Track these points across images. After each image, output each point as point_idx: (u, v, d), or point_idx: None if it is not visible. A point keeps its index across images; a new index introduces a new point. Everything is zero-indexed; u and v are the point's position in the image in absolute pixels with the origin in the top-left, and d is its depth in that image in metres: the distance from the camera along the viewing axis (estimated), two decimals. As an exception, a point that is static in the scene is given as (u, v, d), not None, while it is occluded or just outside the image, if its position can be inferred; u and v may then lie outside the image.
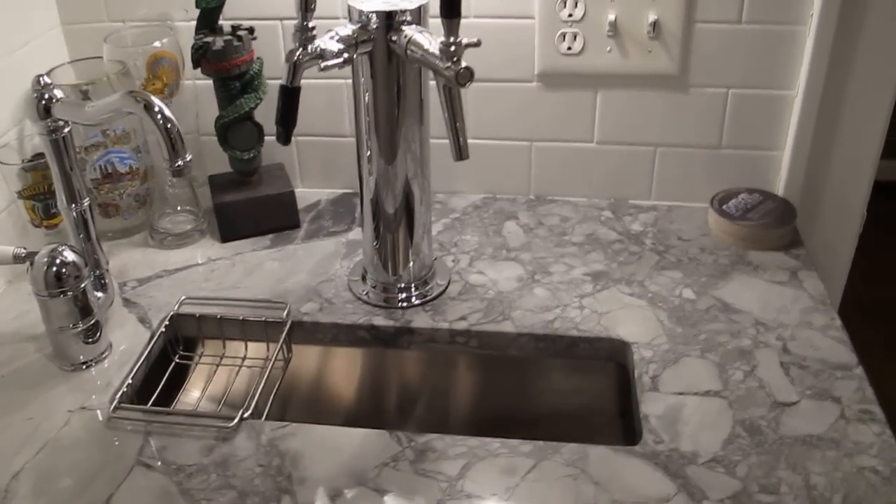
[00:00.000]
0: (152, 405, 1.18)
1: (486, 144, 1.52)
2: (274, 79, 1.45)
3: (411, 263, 1.29)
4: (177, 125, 1.03)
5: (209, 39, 1.34)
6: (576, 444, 1.05)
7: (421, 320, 1.27)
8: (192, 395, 1.30)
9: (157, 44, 1.37)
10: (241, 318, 1.29)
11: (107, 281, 1.29)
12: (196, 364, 1.33)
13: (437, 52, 1.01)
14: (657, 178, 1.52)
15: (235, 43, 1.35)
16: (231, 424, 1.09)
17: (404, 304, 1.30)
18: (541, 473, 1.02)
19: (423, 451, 1.06)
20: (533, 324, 1.25)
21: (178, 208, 1.47)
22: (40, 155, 1.29)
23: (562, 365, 1.29)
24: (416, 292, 1.31)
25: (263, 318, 1.28)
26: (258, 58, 1.40)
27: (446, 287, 1.33)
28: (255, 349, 1.32)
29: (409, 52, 1.07)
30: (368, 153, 1.20)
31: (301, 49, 1.06)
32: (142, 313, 1.30)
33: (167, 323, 1.29)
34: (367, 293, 1.31)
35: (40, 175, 1.34)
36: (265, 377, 1.19)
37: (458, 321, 1.26)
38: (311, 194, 1.61)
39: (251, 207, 1.44)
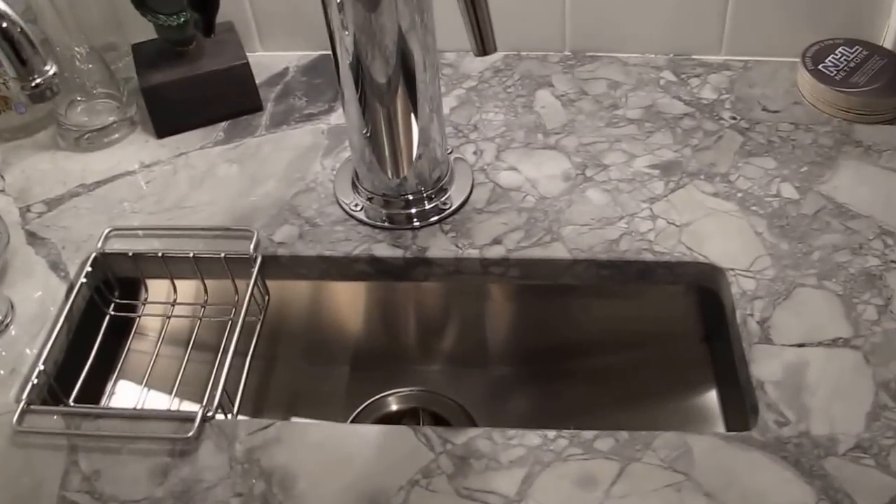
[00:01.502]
0: (79, 397, 0.88)
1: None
2: None
3: (418, 158, 0.93)
4: (18, 21, 0.68)
5: None
6: (672, 434, 0.77)
7: (439, 246, 0.93)
8: (136, 369, 0.97)
9: None
10: (191, 254, 0.92)
11: (-1, 220, 0.91)
12: (138, 320, 1.00)
13: None
14: (730, 26, 1.15)
15: None
16: (190, 434, 0.75)
17: (416, 223, 0.94)
18: (631, 483, 0.74)
19: (464, 459, 0.76)
20: (592, 245, 0.92)
21: (94, 92, 1.07)
22: None
23: (630, 293, 1.00)
24: (430, 204, 0.95)
25: (222, 255, 0.92)
26: None
27: (469, 193, 0.98)
28: (218, 292, 0.98)
29: None
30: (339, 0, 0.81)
31: None
32: (54, 255, 0.95)
33: (89, 268, 0.92)
34: (361, 208, 0.95)
35: None
36: (233, 340, 0.87)
37: (491, 246, 0.92)
38: (274, 60, 1.21)
39: (192, 88, 1.06)
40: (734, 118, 1.07)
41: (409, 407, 1.03)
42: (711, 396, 0.98)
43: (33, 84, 0.68)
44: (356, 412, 1.01)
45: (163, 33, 1.05)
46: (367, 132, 0.91)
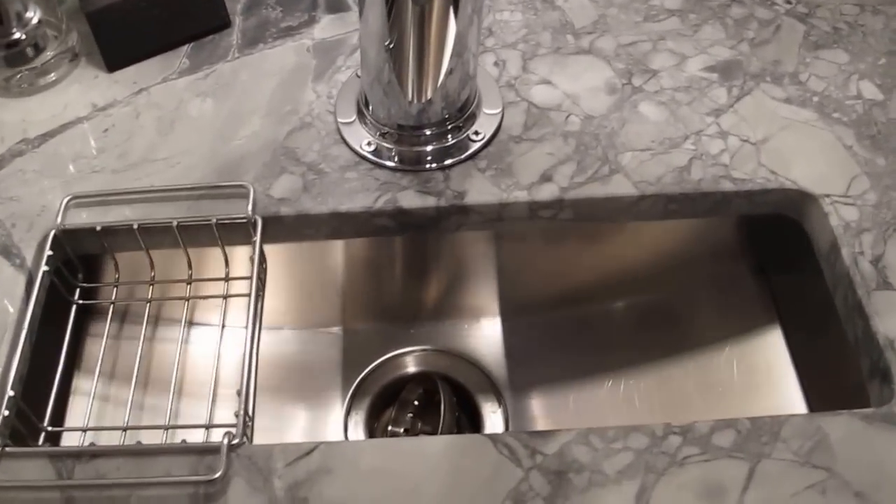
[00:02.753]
0: (55, 415, 0.72)
1: None
2: None
3: (448, 74, 0.75)
4: None
5: None
6: (800, 419, 0.65)
7: (478, 189, 0.76)
8: (119, 370, 0.82)
9: None
10: (174, 223, 0.73)
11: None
12: (111, 306, 0.80)
13: None
14: None
15: None
16: (217, 475, 0.59)
17: (446, 161, 0.76)
18: (765, 487, 0.61)
19: (561, 474, 0.62)
20: (659, 175, 0.76)
21: (27, 19, 0.85)
22: None
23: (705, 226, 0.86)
24: (460, 134, 0.78)
25: (213, 220, 0.73)
26: None
27: (502, 117, 0.79)
28: (203, 262, 0.80)
29: None
30: None
31: None
32: (2, 236, 0.75)
33: (50, 252, 0.73)
34: (375, 147, 0.77)
35: None
36: (253, 330, 0.70)
37: (541, 184, 0.75)
38: None
39: (147, 7, 0.84)
40: (789, 2, 0.91)
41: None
42: (776, 339, 0.84)
43: (12, 39, 0.48)
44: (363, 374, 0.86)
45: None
46: (390, 43, 0.71)
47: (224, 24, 0.90)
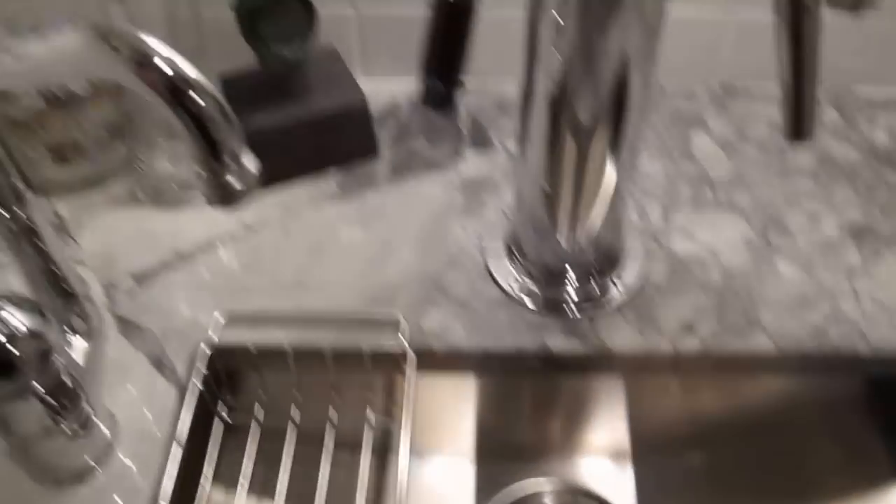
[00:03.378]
0: None
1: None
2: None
3: (602, 221, 0.77)
4: (223, 106, 0.49)
5: None
6: None
7: (623, 336, 0.78)
8: (262, 489, 0.80)
9: None
10: (327, 349, 0.75)
11: (89, 315, 0.73)
12: (255, 426, 0.83)
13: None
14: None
15: None
16: None
17: (592, 307, 0.79)
18: None
19: None
20: (796, 332, 0.79)
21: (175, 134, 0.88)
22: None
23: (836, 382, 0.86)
24: (605, 281, 0.81)
25: (366, 349, 0.75)
26: None
27: (645, 267, 0.82)
28: (351, 389, 0.82)
29: None
30: (559, 16, 0.63)
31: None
32: (154, 346, 0.79)
33: (202, 368, 0.75)
34: (523, 287, 0.79)
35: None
36: (402, 462, 0.71)
37: (682, 334, 0.77)
38: (379, 88, 1.02)
39: (302, 132, 0.87)
40: (917, 168, 0.93)
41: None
42: None
43: (228, 184, 0.50)
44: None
45: (269, 66, 0.87)
46: (547, 186, 0.74)
47: (373, 152, 0.93)
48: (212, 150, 0.48)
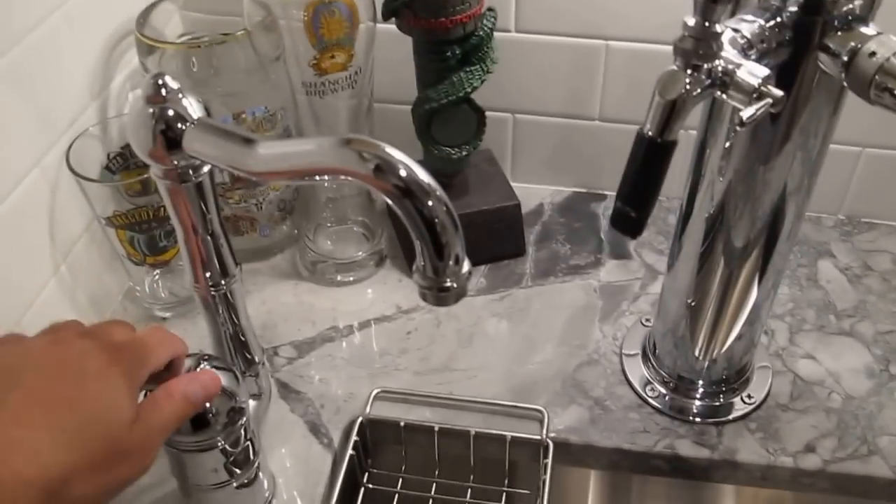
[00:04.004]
0: None
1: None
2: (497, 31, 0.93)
3: (737, 339, 0.84)
4: (452, 213, 0.54)
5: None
6: None
7: (748, 449, 0.83)
8: None
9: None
10: (472, 431, 0.81)
11: (260, 379, 0.80)
12: (396, 496, 0.89)
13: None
14: None
15: (460, -12, 0.83)
16: None
17: (721, 419, 0.83)
18: None
19: None
20: (914, 462, 0.81)
21: (342, 219, 0.97)
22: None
23: None
24: (734, 395, 0.85)
25: (507, 436, 0.81)
26: (490, 9, 0.89)
27: (770, 384, 0.87)
28: (485, 472, 0.88)
29: (885, 87, 0.58)
30: (728, 142, 0.70)
31: (693, 70, 0.57)
32: (312, 414, 0.86)
33: (356, 438, 0.81)
34: (658, 394, 0.85)
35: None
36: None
37: (805, 454, 0.82)
38: (527, 194, 1.11)
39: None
40: None
41: None
42: None
43: (445, 285, 0.56)
44: None
45: (435, 163, 0.95)
46: (692, 301, 0.80)
47: (520, 252, 1.00)
48: (438, 252, 0.54)
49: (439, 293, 0.56)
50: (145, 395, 0.61)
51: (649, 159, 0.61)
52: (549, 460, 0.82)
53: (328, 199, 0.97)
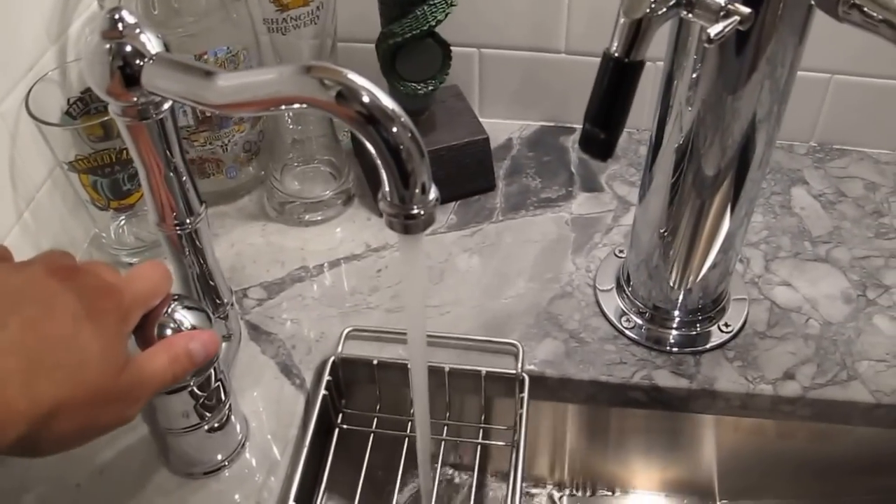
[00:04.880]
0: None
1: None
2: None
3: (711, 267, 0.82)
4: (417, 139, 0.51)
5: None
6: None
7: (727, 378, 0.82)
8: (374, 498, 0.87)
9: None
10: (446, 368, 0.80)
11: (230, 321, 0.79)
12: (372, 436, 0.87)
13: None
14: None
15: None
16: None
17: (698, 347, 0.82)
18: None
19: None
20: (894, 387, 0.81)
21: (308, 159, 0.94)
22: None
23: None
24: (711, 324, 0.85)
25: (483, 371, 0.80)
26: (453, -62, 0.86)
27: (747, 311, 0.86)
28: (461, 409, 0.88)
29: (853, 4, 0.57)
30: (695, 72, 0.68)
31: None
32: (283, 355, 0.84)
33: (329, 377, 0.80)
34: (633, 325, 0.83)
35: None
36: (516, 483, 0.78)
37: (784, 381, 0.81)
38: (495, 130, 1.08)
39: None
40: None
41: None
42: None
43: (412, 212, 0.54)
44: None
45: (401, 100, 0.92)
46: (665, 231, 0.79)
47: (490, 186, 0.98)
48: (404, 180, 0.52)
49: (406, 221, 0.54)
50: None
51: (616, 80, 0.60)
52: (526, 394, 0.81)
53: (294, 140, 0.94)
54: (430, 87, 0.92)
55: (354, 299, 0.88)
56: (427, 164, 0.51)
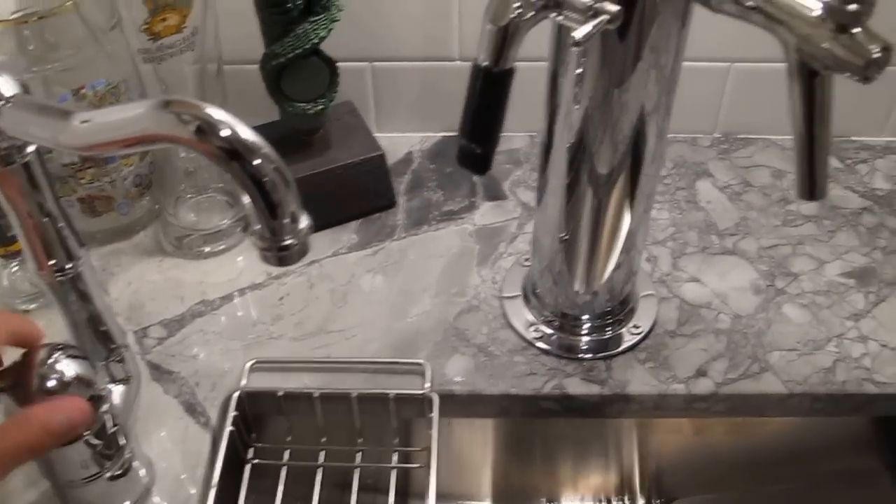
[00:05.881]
0: None
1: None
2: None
3: (616, 268, 0.81)
4: (282, 169, 0.50)
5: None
6: None
7: (639, 380, 0.81)
8: None
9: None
10: (354, 393, 0.78)
11: (127, 364, 0.76)
12: (285, 469, 0.84)
13: (815, 7, 0.53)
14: (899, 107, 1.03)
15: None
16: None
17: (609, 352, 0.81)
18: None
19: None
20: (806, 375, 0.81)
21: (202, 189, 0.92)
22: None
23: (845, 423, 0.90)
24: (621, 326, 0.83)
25: (391, 393, 0.78)
26: (330, -46, 0.84)
27: (657, 312, 0.85)
28: (374, 433, 0.85)
29: None
30: (580, 68, 0.66)
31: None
32: (187, 393, 0.82)
33: (235, 412, 0.77)
34: (542, 335, 0.82)
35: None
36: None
37: (697, 379, 0.80)
38: (395, 144, 1.07)
39: (324, 184, 0.91)
40: (917, 212, 0.97)
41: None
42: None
43: (284, 244, 0.52)
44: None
45: (292, 121, 0.91)
46: (565, 234, 0.78)
47: (390, 203, 0.97)
48: (272, 212, 0.50)
49: (280, 253, 0.52)
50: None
51: (487, 91, 0.59)
52: (435, 413, 0.79)
53: (186, 170, 0.92)
54: (320, 106, 0.90)
55: (257, 330, 0.86)
56: (295, 192, 0.50)
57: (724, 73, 1.01)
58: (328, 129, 0.96)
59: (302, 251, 0.52)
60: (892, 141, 1.07)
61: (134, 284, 0.91)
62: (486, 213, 0.97)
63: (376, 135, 1.00)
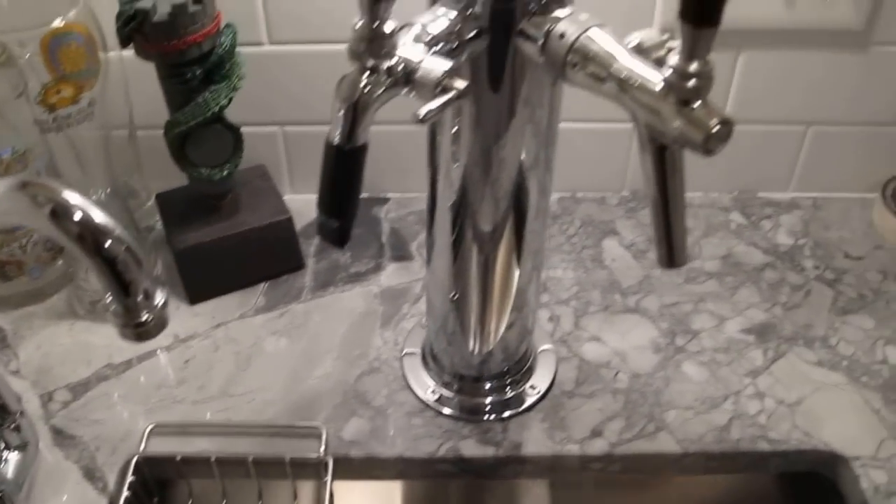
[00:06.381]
0: None
1: (566, 127, 1.00)
2: (249, 45, 0.95)
3: (508, 327, 0.82)
4: (132, 249, 0.53)
5: (146, 2, 0.82)
6: None
7: (534, 441, 0.82)
8: None
9: (57, 21, 0.80)
10: (250, 458, 0.79)
11: (23, 431, 0.77)
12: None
13: (657, 82, 0.54)
14: (803, 164, 1.08)
15: (191, 7, 0.82)
16: None
17: (504, 413, 0.83)
18: None
19: None
20: (701, 434, 0.82)
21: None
22: None
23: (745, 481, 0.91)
24: (518, 387, 0.85)
25: (287, 458, 0.79)
26: (228, 25, 0.87)
27: (555, 371, 0.86)
28: (275, 495, 0.87)
29: (577, 66, 0.58)
30: (456, 126, 0.68)
31: (370, 73, 0.57)
32: (87, 458, 0.82)
33: (132, 477, 0.78)
34: (438, 396, 0.83)
35: None
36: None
37: (592, 439, 0.82)
38: (306, 205, 1.08)
39: (231, 248, 0.92)
40: (817, 268, 0.99)
41: None
42: None
43: (140, 320, 0.54)
44: None
45: (199, 186, 0.93)
46: (454, 294, 0.79)
47: (298, 265, 0.98)
48: (125, 291, 0.52)
49: (137, 329, 0.54)
50: None
51: (340, 167, 0.60)
52: (329, 478, 0.80)
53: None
54: (226, 172, 0.92)
55: (160, 394, 0.87)
56: (147, 271, 0.52)
57: (629, 133, 1.03)
58: (238, 192, 0.97)
59: (160, 325, 0.54)
60: (797, 196, 1.09)
61: (44, 348, 0.92)
62: (391, 275, 0.99)
63: (290, 196, 1.01)
